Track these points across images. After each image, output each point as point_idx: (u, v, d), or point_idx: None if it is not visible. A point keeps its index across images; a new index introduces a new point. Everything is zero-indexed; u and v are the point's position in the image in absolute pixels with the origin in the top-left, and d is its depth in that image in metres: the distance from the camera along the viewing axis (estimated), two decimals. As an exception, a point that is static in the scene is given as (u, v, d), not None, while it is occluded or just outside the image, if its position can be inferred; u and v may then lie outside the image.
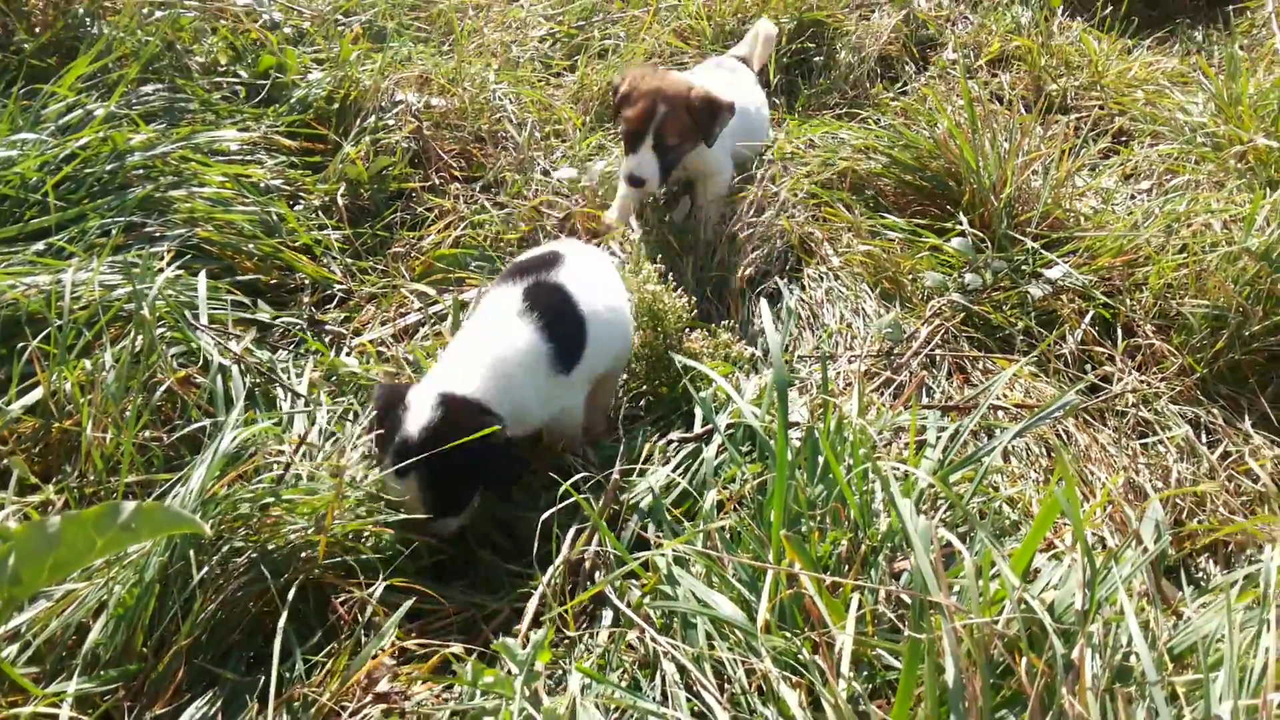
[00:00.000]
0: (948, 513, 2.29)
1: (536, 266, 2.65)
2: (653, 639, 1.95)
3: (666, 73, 3.69)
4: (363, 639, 2.09)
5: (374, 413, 2.37)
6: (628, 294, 2.82)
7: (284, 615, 2.07)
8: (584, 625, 2.21)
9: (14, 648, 1.96)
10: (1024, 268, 3.39)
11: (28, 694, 1.89)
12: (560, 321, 2.51)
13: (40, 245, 2.91)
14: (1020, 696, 1.57)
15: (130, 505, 1.55)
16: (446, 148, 4.00)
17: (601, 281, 2.71)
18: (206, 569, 2.08)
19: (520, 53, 4.78)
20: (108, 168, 3.20)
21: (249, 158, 3.63)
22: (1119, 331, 3.23)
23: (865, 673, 1.75)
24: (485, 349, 2.44)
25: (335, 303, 3.34)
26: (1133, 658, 1.55)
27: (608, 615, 2.17)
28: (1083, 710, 1.37)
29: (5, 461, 2.37)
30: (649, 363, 2.85)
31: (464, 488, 2.34)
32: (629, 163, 3.43)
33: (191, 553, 2.07)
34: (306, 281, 3.34)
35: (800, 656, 1.76)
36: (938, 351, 3.11)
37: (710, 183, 3.69)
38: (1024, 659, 1.47)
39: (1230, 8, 5.86)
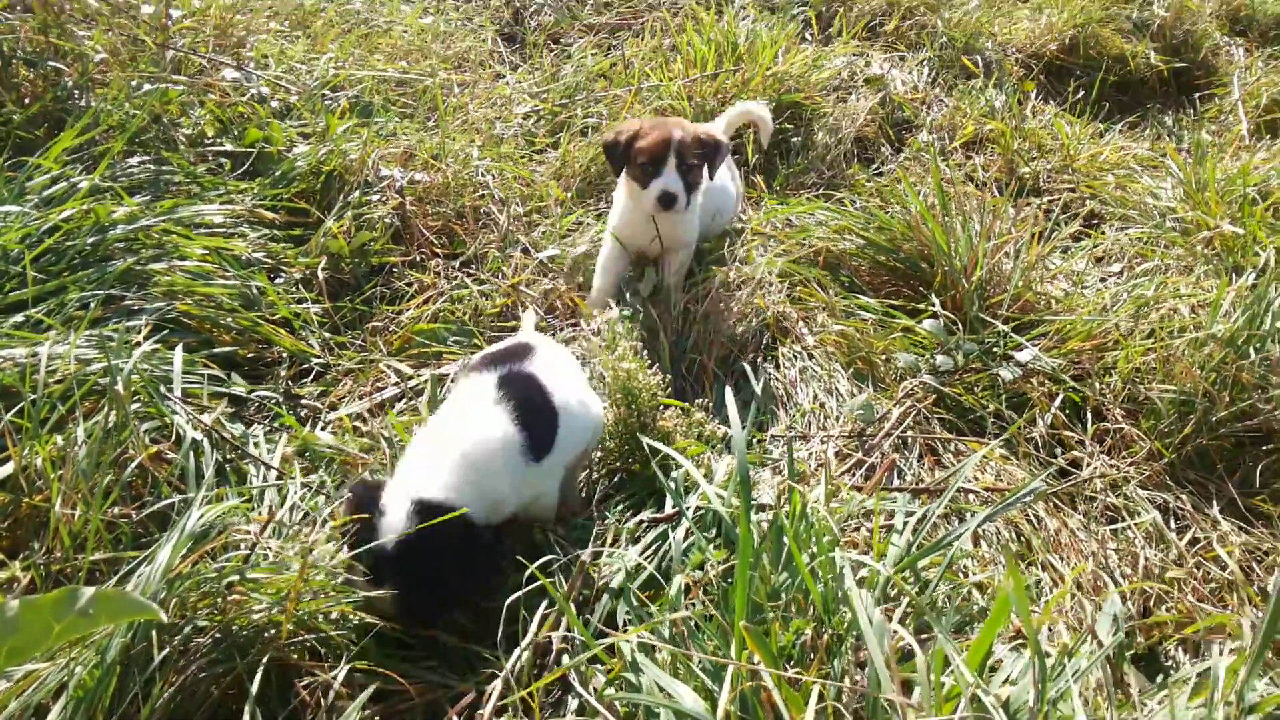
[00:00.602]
0: (913, 602, 2.29)
1: (508, 357, 2.67)
2: (616, 728, 1.95)
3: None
4: (326, 724, 2.08)
5: (347, 513, 2.32)
6: (603, 371, 2.86)
7: (250, 698, 2.06)
8: (549, 711, 2.20)
9: (-30, 732, 1.94)
10: (995, 350, 3.44)
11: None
12: (533, 411, 2.52)
13: (18, 317, 2.92)
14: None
15: (88, 591, 1.55)
16: (429, 223, 4.05)
17: (570, 372, 2.77)
18: (168, 649, 2.07)
19: (504, 129, 4.86)
20: (90, 240, 3.23)
21: (232, 230, 3.67)
22: (1088, 415, 3.27)
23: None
24: (459, 442, 2.42)
25: (312, 376, 3.35)
26: (1089, 756, 1.55)
27: (572, 702, 2.16)
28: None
29: (-28, 538, 2.36)
30: (622, 440, 2.87)
31: (442, 602, 2.32)
32: (657, 184, 3.50)
33: (154, 633, 2.06)
34: (284, 355, 3.35)
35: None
36: (909, 433, 3.14)
37: (677, 256, 3.77)
38: (979, 758, 1.47)
39: (1198, 94, 6.03)
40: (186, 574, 2.18)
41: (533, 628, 2.26)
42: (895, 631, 1.66)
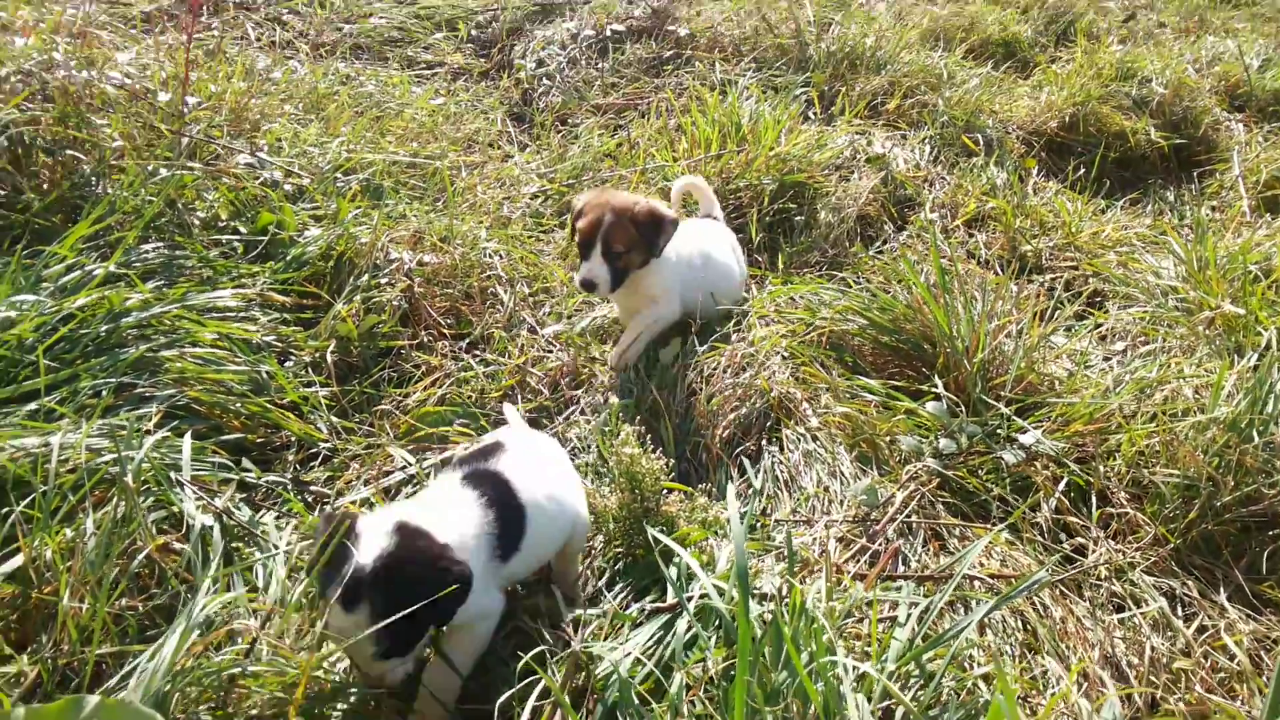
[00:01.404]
0: (920, 693, 2.29)
1: (477, 457, 2.67)
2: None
3: (619, 191, 3.96)
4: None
5: (318, 542, 2.25)
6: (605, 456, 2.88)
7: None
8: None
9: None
10: (998, 432, 3.45)
11: None
12: (501, 508, 2.50)
13: (31, 406, 2.97)
14: None
15: (93, 700, 1.58)
16: (436, 305, 4.12)
17: (544, 469, 2.74)
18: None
19: (511, 210, 4.95)
20: (103, 328, 3.29)
21: (243, 314, 3.73)
22: (1093, 499, 3.27)
23: None
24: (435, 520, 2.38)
25: (320, 460, 3.38)
26: None
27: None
28: None
29: (-19, 633, 2.38)
30: (625, 525, 2.88)
31: (416, 625, 2.20)
32: (583, 269, 3.71)
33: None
34: (293, 440, 3.39)
35: None
36: (913, 518, 3.14)
37: (650, 308, 3.89)
38: None
39: (1199, 170, 6.11)
40: (189, 668, 2.20)
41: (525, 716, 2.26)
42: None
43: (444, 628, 2.41)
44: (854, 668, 1.97)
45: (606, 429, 2.88)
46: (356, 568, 2.16)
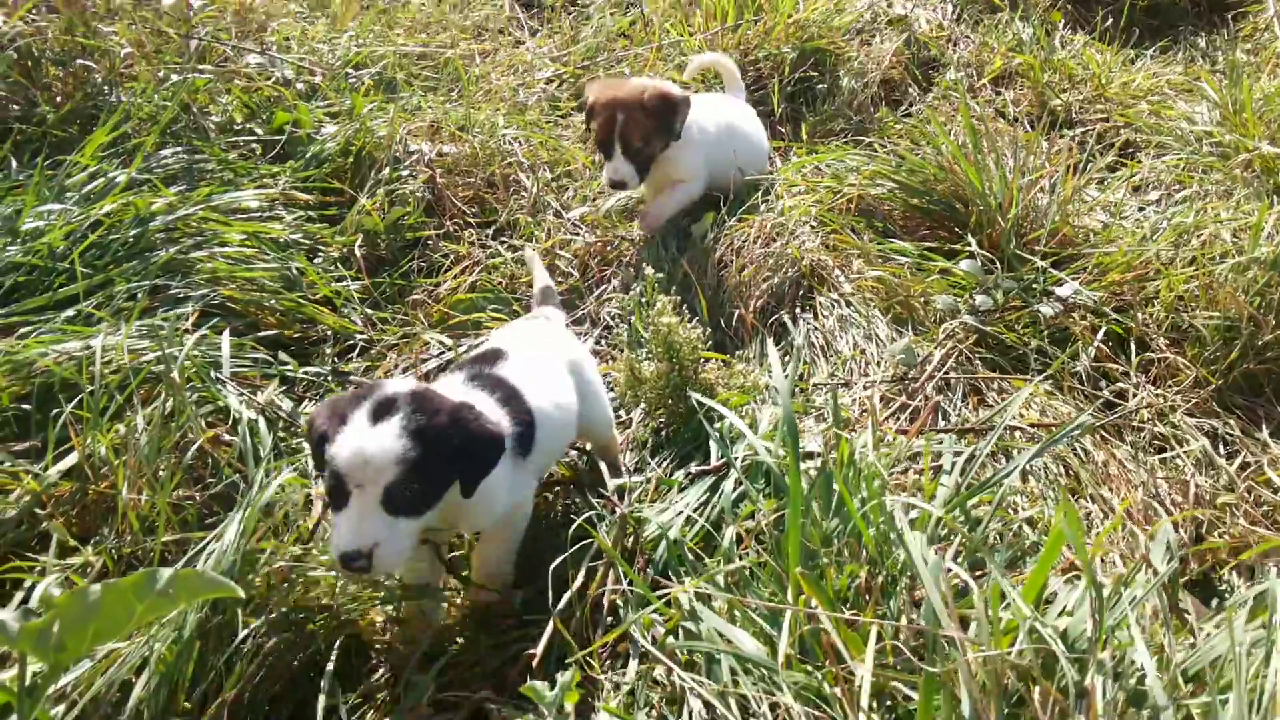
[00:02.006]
0: (965, 540, 2.31)
1: (477, 361, 2.49)
2: (679, 676, 1.99)
3: (625, 80, 3.88)
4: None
5: (321, 416, 2.04)
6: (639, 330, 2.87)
7: (327, 675, 2.13)
8: (608, 666, 2.24)
9: (60, 708, 2.02)
10: (1034, 287, 3.41)
11: (75, 754, 1.95)
12: (514, 409, 2.31)
13: (69, 312, 2.99)
14: (1038, 723, 1.59)
15: (167, 572, 1.62)
16: (459, 194, 4.09)
17: (550, 373, 2.57)
18: (248, 629, 2.14)
19: (527, 96, 4.86)
20: (131, 233, 3.29)
21: (267, 214, 3.72)
22: (1132, 346, 3.24)
23: (887, 704, 1.78)
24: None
25: (357, 352, 3.41)
26: (1146, 680, 1.57)
27: (633, 654, 2.20)
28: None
29: (44, 525, 2.44)
30: (664, 395, 2.89)
31: (441, 474, 2.00)
32: (607, 170, 3.69)
33: (229, 611, 2.13)
34: (329, 333, 3.41)
35: (822, 690, 1.79)
36: (952, 374, 3.14)
37: (677, 186, 3.89)
38: (1037, 687, 1.50)
39: (1231, 13, 5.89)
40: (259, 552, 2.26)
41: (580, 576, 2.30)
42: (949, 569, 1.68)
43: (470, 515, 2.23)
44: (907, 505, 1.99)
45: (643, 300, 2.86)
46: (382, 393, 2.01)
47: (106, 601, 1.62)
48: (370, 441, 1.92)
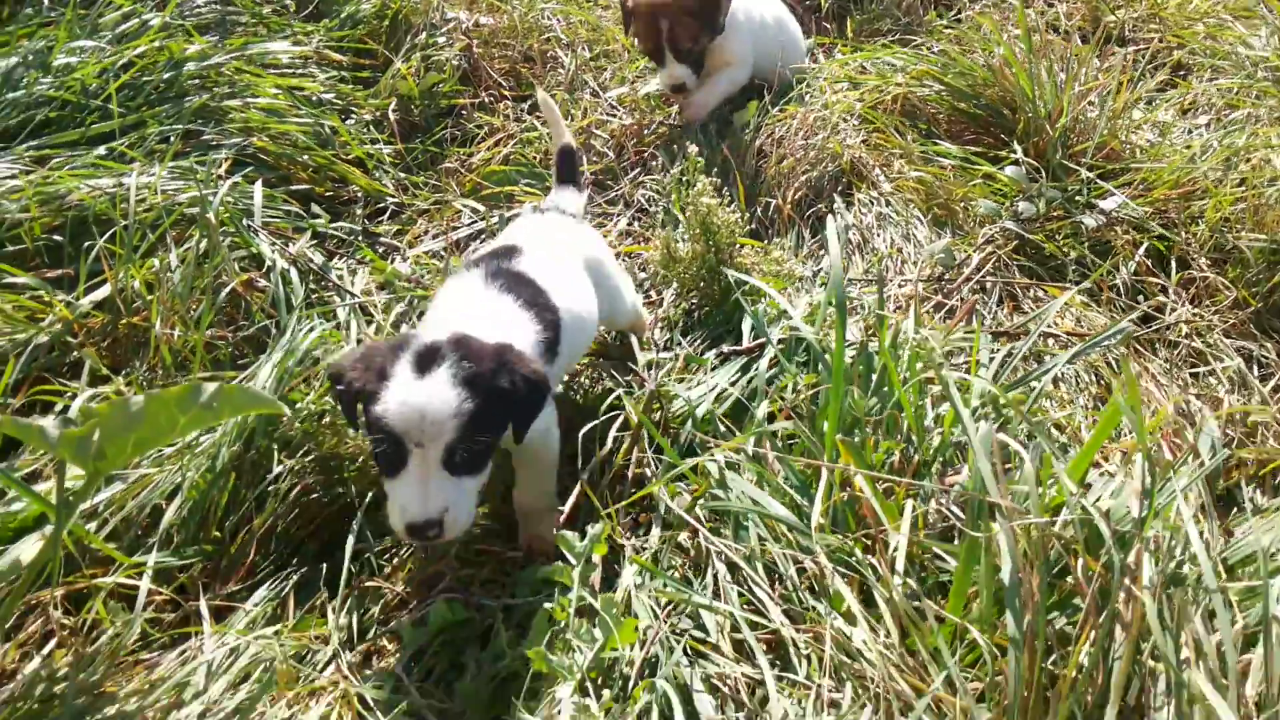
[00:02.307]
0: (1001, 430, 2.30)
1: (494, 257, 2.29)
2: (705, 539, 2.00)
3: None
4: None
5: (353, 370, 1.86)
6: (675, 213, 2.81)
7: (359, 515, 2.14)
8: (632, 535, 2.25)
9: (92, 525, 2.04)
10: (1078, 198, 3.36)
11: (107, 567, 1.97)
12: (540, 312, 2.15)
13: (101, 150, 2.95)
14: (1074, 598, 1.60)
15: (212, 386, 1.61)
16: (496, 66, 4.00)
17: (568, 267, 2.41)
18: (281, 467, 2.15)
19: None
20: (165, 76, 3.22)
21: (301, 71, 3.64)
22: (1173, 264, 3.20)
23: (919, 574, 1.78)
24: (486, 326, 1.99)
25: (388, 215, 3.37)
26: (1185, 566, 1.57)
27: (656, 521, 2.21)
28: (1139, 613, 1.40)
29: (76, 354, 2.44)
30: (698, 276, 2.86)
31: (495, 423, 1.86)
32: (663, 76, 3.66)
33: (274, 449, 2.14)
34: (359, 194, 3.37)
35: (854, 557, 1.80)
36: (989, 279, 3.10)
37: (724, 72, 3.83)
38: (1080, 561, 1.50)
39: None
40: (284, 397, 2.25)
41: (609, 441, 2.30)
42: (999, 441, 1.67)
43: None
44: (955, 380, 1.97)
45: (684, 179, 2.81)
46: (428, 343, 1.85)
47: (149, 411, 1.61)
48: (424, 396, 1.77)
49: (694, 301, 2.94)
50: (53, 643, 1.89)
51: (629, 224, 3.42)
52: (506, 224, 3.15)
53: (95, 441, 1.64)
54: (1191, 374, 2.87)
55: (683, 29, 3.56)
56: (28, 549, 1.89)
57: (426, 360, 1.81)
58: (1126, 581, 1.45)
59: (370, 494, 2.20)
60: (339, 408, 2.03)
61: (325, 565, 2.15)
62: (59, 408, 2.28)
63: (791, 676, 1.72)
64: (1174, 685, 1.33)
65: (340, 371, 1.87)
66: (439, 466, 1.79)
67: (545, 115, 3.07)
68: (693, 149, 2.89)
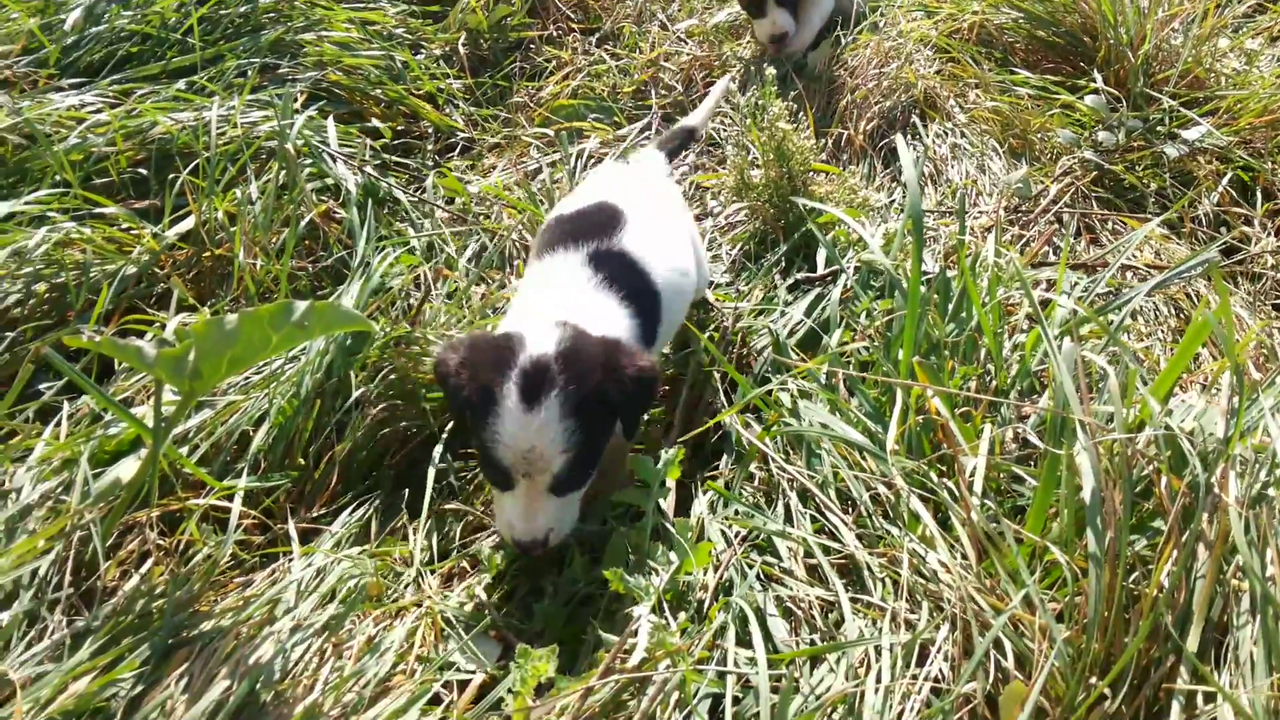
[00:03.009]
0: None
1: (594, 231, 2.16)
2: (778, 466, 2.01)
3: None
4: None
5: (459, 373, 1.82)
6: (748, 142, 2.78)
7: (441, 441, 2.19)
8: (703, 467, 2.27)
9: (184, 449, 2.11)
10: (1159, 128, 3.27)
11: (199, 490, 2.05)
12: (636, 296, 2.07)
13: (181, 84, 3.00)
14: (1154, 520, 1.59)
15: (303, 304, 1.65)
16: (564, -1, 3.99)
17: (667, 235, 2.31)
18: (362, 389, 2.20)
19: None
20: (241, 10, 3.26)
21: (372, 5, 3.66)
22: (1258, 195, 3.11)
23: (995, 499, 1.78)
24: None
25: (458, 151, 3.39)
26: (1271, 489, 1.56)
27: (728, 451, 2.23)
28: (1224, 530, 1.39)
29: (163, 285, 2.51)
30: (771, 202, 2.84)
31: (603, 431, 1.87)
32: (765, 26, 3.58)
33: (353, 376, 2.19)
34: (430, 129, 3.39)
35: (929, 481, 1.80)
36: (1066, 210, 3.04)
37: (815, 6, 3.75)
38: (1164, 480, 1.49)
39: None
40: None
41: (688, 379, 2.32)
42: (1083, 358, 1.65)
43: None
44: (1041, 299, 1.95)
45: (759, 103, 2.78)
46: (534, 358, 1.78)
47: (244, 329, 1.66)
48: (532, 433, 1.74)
49: (765, 227, 2.92)
50: (150, 561, 1.97)
51: (698, 158, 3.40)
52: (588, 170, 3.16)
53: (191, 361, 1.69)
54: (1275, 306, 2.80)
55: None
56: (126, 470, 1.97)
57: (534, 386, 1.75)
58: (1210, 500, 1.44)
59: (450, 424, 2.25)
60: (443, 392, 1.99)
61: (407, 490, 2.20)
62: (150, 335, 2.35)
63: (866, 599, 1.74)
64: (1260, 601, 1.32)
65: (445, 369, 1.84)
66: (544, 493, 1.81)
67: (708, 99, 3.00)
68: (770, 70, 2.85)
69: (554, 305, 1.96)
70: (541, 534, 1.83)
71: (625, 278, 2.06)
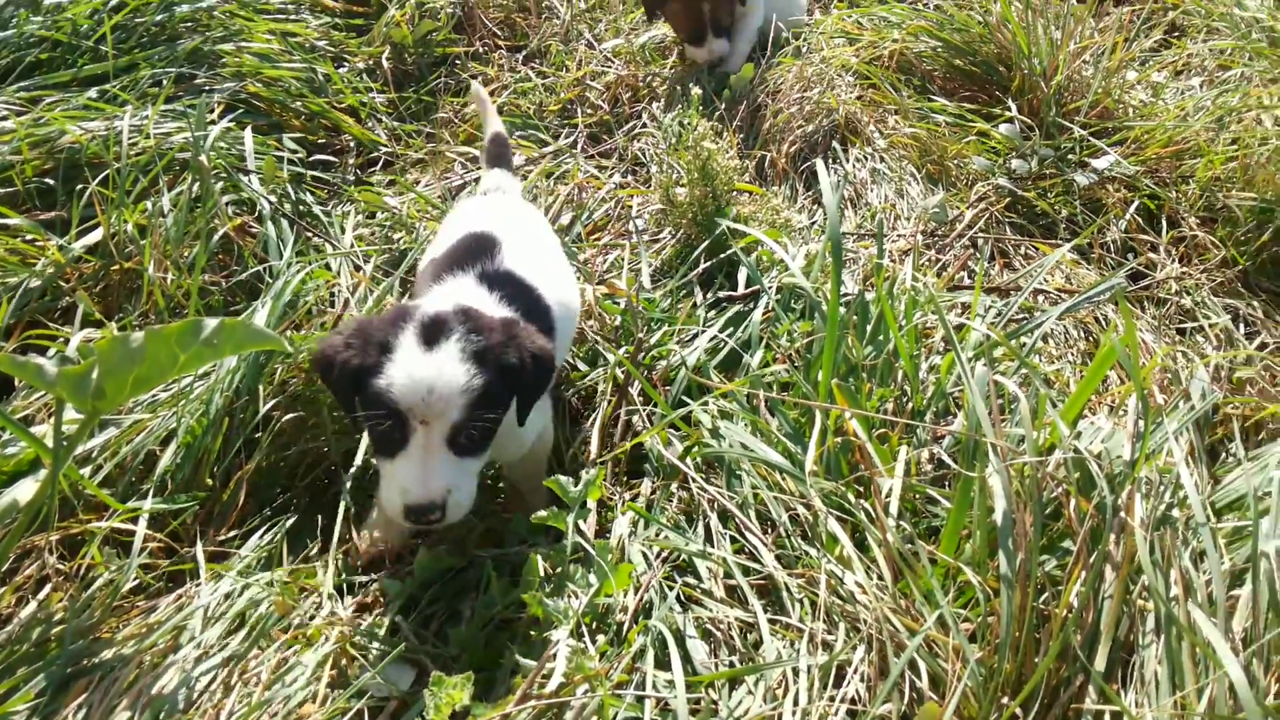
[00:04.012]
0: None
1: (477, 254, 2.12)
2: (699, 486, 2.01)
3: None
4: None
5: (348, 347, 1.75)
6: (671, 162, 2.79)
7: (351, 468, 2.14)
8: (622, 487, 2.26)
9: (86, 470, 2.04)
10: (1070, 156, 3.37)
11: (102, 513, 1.98)
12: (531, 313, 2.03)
13: (93, 93, 2.91)
14: (1064, 542, 1.63)
15: (213, 322, 1.61)
16: (491, 15, 3.97)
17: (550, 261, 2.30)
18: (270, 404, 2.14)
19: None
20: (157, 18, 3.19)
21: (293, 17, 3.60)
22: (1164, 222, 3.22)
23: (911, 520, 1.81)
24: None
25: (380, 165, 3.35)
26: (1175, 510, 1.60)
27: (651, 470, 2.22)
28: (1129, 551, 1.42)
29: (68, 299, 2.43)
30: (694, 221, 2.85)
31: (502, 398, 1.78)
32: (702, 53, 3.73)
33: (261, 394, 2.13)
34: (352, 143, 3.35)
35: (847, 502, 1.82)
36: (981, 235, 3.11)
37: (745, 25, 3.86)
38: (1073, 501, 1.53)
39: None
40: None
41: (604, 403, 2.31)
42: (995, 382, 1.69)
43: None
44: (956, 323, 1.99)
45: (683, 124, 2.80)
46: (432, 314, 1.77)
47: (150, 348, 1.61)
48: (432, 369, 1.68)
49: (689, 247, 2.93)
50: (48, 587, 1.89)
51: (623, 177, 3.41)
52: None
53: (94, 379, 1.64)
54: (1179, 330, 2.90)
55: (724, 6, 3.66)
56: (23, 491, 1.89)
57: (434, 332, 1.72)
58: (1117, 521, 1.48)
59: (359, 451, 2.20)
60: (331, 390, 1.89)
61: (319, 516, 2.14)
62: (52, 352, 2.27)
63: (785, 620, 1.74)
64: (1164, 621, 1.36)
65: (331, 350, 1.75)
66: (443, 445, 1.71)
67: (478, 106, 2.94)
68: (696, 90, 2.87)
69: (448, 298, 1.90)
70: (439, 494, 1.70)
71: (519, 297, 2.02)
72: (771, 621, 1.74)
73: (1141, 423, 1.52)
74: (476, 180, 3.22)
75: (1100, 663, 1.39)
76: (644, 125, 3.57)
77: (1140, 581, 1.49)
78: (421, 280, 2.16)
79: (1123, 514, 1.46)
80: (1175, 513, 1.60)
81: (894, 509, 1.69)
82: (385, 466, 1.76)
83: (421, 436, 1.70)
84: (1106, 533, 1.48)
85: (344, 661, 1.79)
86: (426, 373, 1.67)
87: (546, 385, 1.89)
